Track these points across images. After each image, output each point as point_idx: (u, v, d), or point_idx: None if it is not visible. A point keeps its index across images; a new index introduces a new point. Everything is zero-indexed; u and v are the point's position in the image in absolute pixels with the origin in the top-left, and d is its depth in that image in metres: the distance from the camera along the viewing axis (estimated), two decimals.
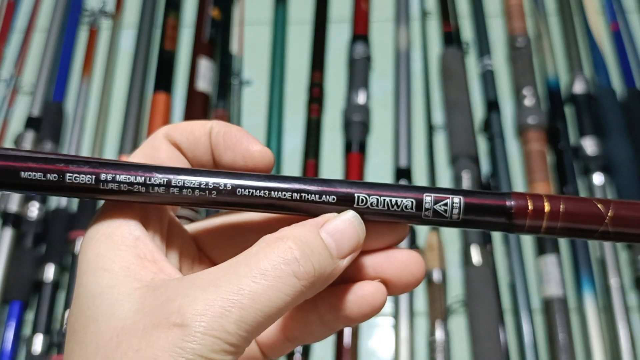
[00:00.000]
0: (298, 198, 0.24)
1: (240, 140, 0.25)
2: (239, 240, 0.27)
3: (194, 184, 0.24)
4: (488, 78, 0.77)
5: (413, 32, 0.82)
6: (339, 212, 0.24)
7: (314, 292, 0.23)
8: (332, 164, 0.74)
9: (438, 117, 0.76)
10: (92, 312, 0.22)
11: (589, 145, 0.72)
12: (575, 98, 0.75)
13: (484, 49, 0.79)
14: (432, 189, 0.24)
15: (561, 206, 0.24)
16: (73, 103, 0.77)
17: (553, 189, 0.70)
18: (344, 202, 0.24)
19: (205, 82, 0.75)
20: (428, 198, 0.24)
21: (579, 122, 0.74)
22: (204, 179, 0.24)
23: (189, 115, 0.73)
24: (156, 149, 0.26)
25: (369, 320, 0.55)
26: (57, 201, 0.69)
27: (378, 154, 0.74)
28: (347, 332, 0.63)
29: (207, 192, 0.24)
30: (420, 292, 0.66)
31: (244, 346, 0.21)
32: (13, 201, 0.68)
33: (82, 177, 0.23)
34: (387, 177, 0.72)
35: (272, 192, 0.24)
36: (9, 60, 0.80)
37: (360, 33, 0.81)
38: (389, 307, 0.65)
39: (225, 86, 0.77)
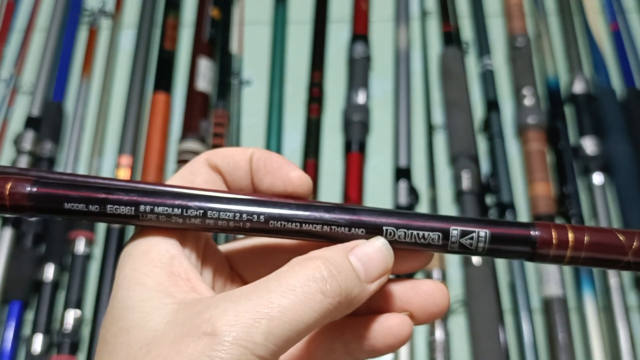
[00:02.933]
0: (328, 230, 0.25)
1: (281, 166, 0.26)
2: (270, 260, 0.27)
3: (228, 216, 0.25)
4: (488, 78, 0.77)
5: (413, 32, 0.82)
6: (368, 238, 0.25)
7: (341, 313, 0.23)
8: (332, 164, 0.74)
9: (438, 117, 0.76)
10: (124, 323, 0.22)
11: (589, 145, 0.72)
12: (575, 98, 0.75)
13: (483, 48, 0.79)
14: (459, 220, 0.25)
15: (585, 237, 0.24)
16: (73, 103, 0.77)
17: (553, 189, 0.70)
18: (373, 234, 0.25)
19: (205, 81, 0.75)
20: (455, 232, 0.25)
21: (578, 122, 0.74)
22: (238, 209, 0.25)
23: (189, 115, 0.73)
24: (195, 174, 0.27)
25: None
26: None
27: (378, 154, 0.74)
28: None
29: (241, 222, 0.25)
30: None
31: (270, 359, 0.22)
32: None
33: (123, 208, 0.25)
34: (387, 177, 0.72)
35: (304, 225, 0.25)
36: (8, 60, 0.80)
37: (360, 33, 0.81)
38: None
39: (225, 86, 0.77)
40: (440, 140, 0.75)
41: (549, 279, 0.64)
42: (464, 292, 0.65)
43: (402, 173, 0.71)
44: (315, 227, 0.25)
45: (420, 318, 0.26)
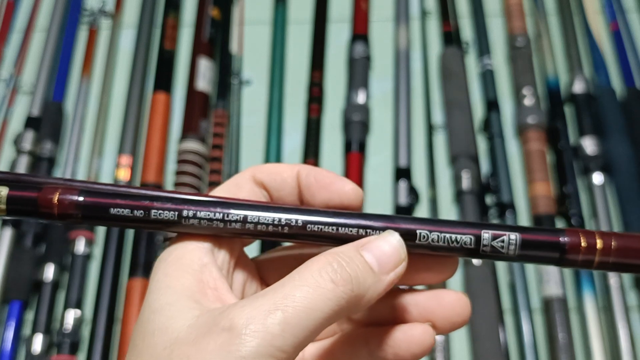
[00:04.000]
0: (364, 234, 0.26)
1: (333, 180, 0.27)
2: None
3: (267, 220, 0.26)
4: (488, 78, 0.77)
5: (413, 31, 0.82)
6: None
7: (358, 305, 0.24)
8: (331, 164, 0.74)
9: (438, 116, 0.76)
10: (151, 326, 0.23)
11: (589, 145, 0.72)
12: (575, 98, 0.75)
13: (483, 48, 0.79)
14: (490, 225, 0.26)
15: (613, 243, 0.25)
16: (73, 103, 0.77)
17: (553, 189, 0.70)
18: (407, 238, 0.25)
19: (205, 81, 0.75)
20: (486, 235, 0.25)
21: (578, 121, 0.74)
22: (277, 216, 0.26)
23: (189, 115, 0.73)
24: (239, 187, 0.28)
25: None
26: None
27: (378, 154, 0.74)
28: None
29: (279, 227, 0.26)
30: None
31: (290, 352, 0.22)
32: None
33: (166, 213, 0.26)
34: (387, 177, 0.72)
35: (340, 229, 0.26)
36: (8, 60, 0.80)
37: (360, 33, 0.81)
38: None
39: (225, 86, 0.77)
40: (440, 140, 0.75)
41: (549, 279, 0.64)
42: (464, 292, 0.65)
43: (402, 173, 0.71)
44: (351, 231, 0.25)
45: (443, 328, 0.27)
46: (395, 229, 0.25)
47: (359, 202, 0.27)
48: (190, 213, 0.26)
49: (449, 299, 0.27)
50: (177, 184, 0.68)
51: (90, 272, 0.67)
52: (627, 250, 0.25)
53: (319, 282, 0.23)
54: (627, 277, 0.66)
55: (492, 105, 0.75)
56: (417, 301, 0.27)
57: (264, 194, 0.28)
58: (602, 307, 0.64)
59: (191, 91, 0.75)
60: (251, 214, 0.26)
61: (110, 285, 0.64)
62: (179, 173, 0.69)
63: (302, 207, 0.26)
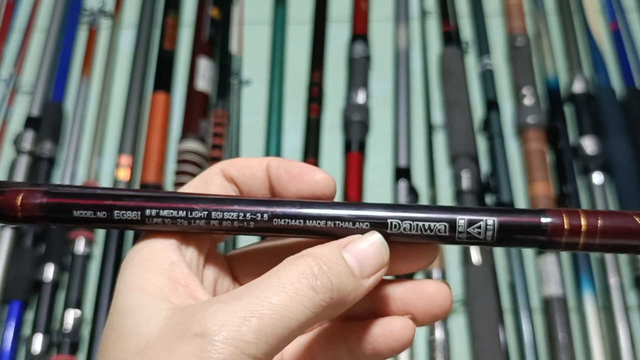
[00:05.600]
0: (332, 225, 0.25)
1: (304, 171, 0.26)
2: (273, 267, 0.27)
3: (232, 216, 0.25)
4: (487, 77, 0.77)
5: (412, 31, 0.82)
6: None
7: (335, 310, 0.23)
8: (331, 164, 0.74)
9: (438, 116, 0.76)
10: (123, 330, 0.23)
11: (589, 145, 0.72)
12: (575, 97, 0.75)
13: (483, 48, 0.79)
14: (465, 210, 0.24)
15: (599, 222, 0.24)
16: (72, 103, 0.77)
17: (552, 188, 0.70)
18: (377, 228, 0.24)
19: (204, 81, 0.75)
20: (461, 221, 0.24)
21: (578, 121, 0.74)
22: (242, 209, 0.25)
23: (189, 115, 0.73)
24: (208, 183, 0.27)
25: None
26: None
27: (378, 154, 0.74)
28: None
29: (245, 222, 0.25)
30: None
31: (263, 359, 0.22)
32: None
33: (129, 213, 0.25)
34: (387, 177, 0.72)
35: (307, 221, 0.25)
36: (8, 60, 0.80)
37: (359, 32, 0.81)
38: None
39: (224, 86, 0.76)
40: (440, 140, 0.75)
41: (548, 279, 0.64)
42: (464, 292, 0.65)
43: (402, 173, 0.71)
44: (319, 224, 0.25)
45: (423, 320, 0.26)
46: (365, 219, 0.24)
47: (332, 191, 0.27)
48: (153, 212, 0.25)
49: (429, 290, 0.26)
50: (177, 184, 0.68)
51: (90, 272, 0.67)
52: (614, 230, 0.24)
53: (298, 289, 0.22)
54: (626, 277, 0.66)
55: (491, 105, 0.75)
56: (395, 293, 0.26)
57: (234, 189, 0.27)
58: (602, 306, 0.64)
59: (191, 91, 0.75)
60: (215, 209, 0.25)
61: (110, 285, 0.64)
62: (178, 173, 0.69)
63: (268, 198, 0.26)
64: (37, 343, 0.62)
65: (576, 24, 0.81)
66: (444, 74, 0.77)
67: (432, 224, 0.24)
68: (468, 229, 0.24)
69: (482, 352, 0.61)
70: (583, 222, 0.24)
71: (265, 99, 0.77)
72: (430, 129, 0.74)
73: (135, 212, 0.25)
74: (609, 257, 0.66)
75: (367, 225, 0.24)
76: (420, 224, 0.24)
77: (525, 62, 0.78)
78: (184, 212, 0.25)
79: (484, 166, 0.72)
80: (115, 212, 0.25)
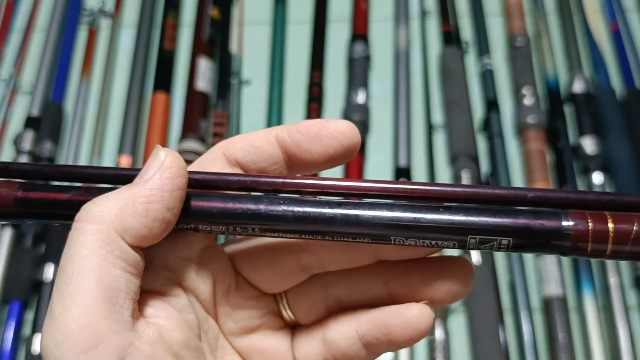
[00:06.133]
0: (330, 239, 0.23)
1: (324, 125, 0.24)
2: (276, 261, 0.26)
3: (221, 229, 0.23)
4: (487, 77, 0.77)
5: (412, 31, 0.82)
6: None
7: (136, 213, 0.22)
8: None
9: (437, 116, 0.76)
10: None
11: (589, 145, 0.72)
12: (575, 97, 0.75)
13: (483, 48, 0.79)
14: (478, 219, 0.22)
15: (635, 227, 0.21)
16: (72, 103, 0.77)
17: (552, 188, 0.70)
18: (379, 241, 0.23)
19: (204, 81, 0.75)
20: (472, 240, 0.22)
21: (578, 121, 0.74)
22: (239, 222, 0.23)
23: (189, 115, 0.73)
24: (209, 169, 0.25)
25: None
26: None
27: (378, 154, 0.74)
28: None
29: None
30: None
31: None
32: None
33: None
34: (387, 177, 0.72)
35: (303, 236, 0.23)
36: (8, 60, 0.80)
37: (359, 32, 0.81)
38: None
39: (224, 86, 0.76)
40: (440, 140, 0.75)
41: (548, 279, 0.64)
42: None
43: (402, 172, 0.71)
44: (315, 238, 0.23)
45: (444, 299, 0.25)
46: (366, 235, 0.22)
47: (358, 138, 0.24)
48: None
49: (451, 266, 0.25)
50: None
51: None
52: None
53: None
54: (627, 277, 0.66)
55: (491, 104, 0.75)
56: (414, 272, 0.25)
57: (240, 172, 0.25)
58: (602, 306, 0.64)
59: (191, 91, 0.75)
60: (201, 223, 0.23)
61: None
62: None
63: (268, 211, 0.23)
64: (37, 343, 0.62)
65: (576, 24, 0.81)
66: (444, 74, 0.77)
67: (439, 242, 0.22)
68: (479, 247, 0.22)
69: (482, 352, 0.61)
70: (610, 226, 0.21)
71: (265, 99, 0.77)
72: (430, 129, 0.74)
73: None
74: None
75: (368, 241, 0.23)
76: (427, 241, 0.22)
77: (525, 62, 0.78)
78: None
79: (484, 166, 0.72)
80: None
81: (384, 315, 0.25)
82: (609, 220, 0.21)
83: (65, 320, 0.21)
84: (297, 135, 0.24)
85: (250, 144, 0.25)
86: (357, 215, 0.22)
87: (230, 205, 0.23)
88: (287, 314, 0.27)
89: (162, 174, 0.22)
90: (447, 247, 0.22)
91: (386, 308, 0.25)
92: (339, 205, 0.23)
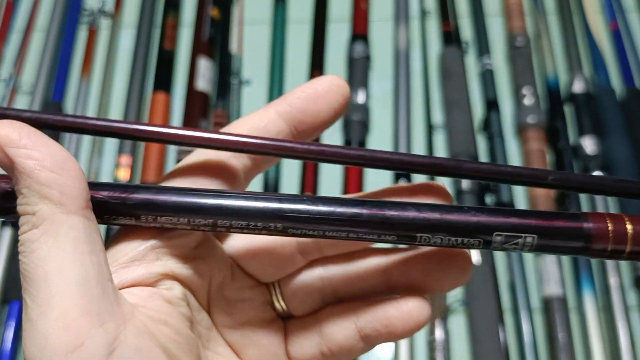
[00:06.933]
0: (355, 237, 0.23)
1: (317, 84, 0.24)
2: (275, 247, 0.26)
3: (241, 225, 0.22)
4: (487, 77, 0.77)
5: (412, 31, 0.82)
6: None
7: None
8: (331, 164, 0.73)
9: (437, 116, 0.76)
10: None
11: (589, 145, 0.72)
12: (575, 97, 0.75)
13: (483, 48, 0.79)
14: (502, 219, 0.22)
15: None
16: (72, 103, 0.77)
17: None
18: (405, 241, 0.23)
19: (204, 81, 0.75)
20: (498, 238, 0.22)
21: (578, 121, 0.74)
22: (252, 223, 0.22)
23: (189, 115, 0.73)
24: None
25: None
26: None
27: None
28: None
29: (256, 230, 0.23)
30: None
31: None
32: None
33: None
34: (387, 177, 0.72)
35: (327, 233, 0.23)
36: (8, 60, 0.80)
37: (359, 32, 0.81)
38: None
39: (224, 86, 0.76)
40: (440, 140, 0.75)
41: (548, 279, 0.64)
42: (464, 292, 0.65)
43: (402, 173, 0.71)
44: (339, 234, 0.23)
45: (444, 287, 0.25)
46: (391, 234, 0.22)
47: (347, 88, 0.25)
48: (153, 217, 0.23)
49: (450, 258, 0.24)
50: None
51: None
52: None
53: None
54: (626, 277, 0.66)
55: (491, 104, 0.75)
56: (415, 262, 0.25)
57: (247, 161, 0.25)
58: (602, 306, 0.64)
59: (191, 91, 0.75)
60: (221, 219, 0.22)
61: None
62: None
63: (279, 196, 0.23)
64: None
65: (576, 24, 0.81)
66: (444, 74, 0.77)
67: (465, 240, 0.22)
68: (504, 245, 0.22)
69: (482, 352, 0.61)
70: (629, 227, 0.22)
71: (265, 99, 0.77)
72: (430, 129, 0.74)
73: (130, 217, 0.23)
74: None
75: (394, 238, 0.23)
76: (453, 239, 0.22)
77: (525, 62, 0.78)
78: (179, 217, 0.23)
79: None
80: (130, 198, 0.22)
81: (385, 308, 0.24)
82: (627, 222, 0.22)
83: (44, 322, 0.20)
84: (298, 102, 0.24)
85: (252, 128, 0.24)
86: (384, 215, 0.22)
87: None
88: (280, 304, 0.26)
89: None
90: (472, 246, 0.22)
91: (385, 300, 0.25)
92: (363, 204, 0.23)
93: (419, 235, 0.22)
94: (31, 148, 0.21)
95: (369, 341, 0.25)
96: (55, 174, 0.20)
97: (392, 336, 0.25)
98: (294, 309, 0.26)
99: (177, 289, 0.24)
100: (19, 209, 0.21)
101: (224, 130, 0.25)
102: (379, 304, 0.25)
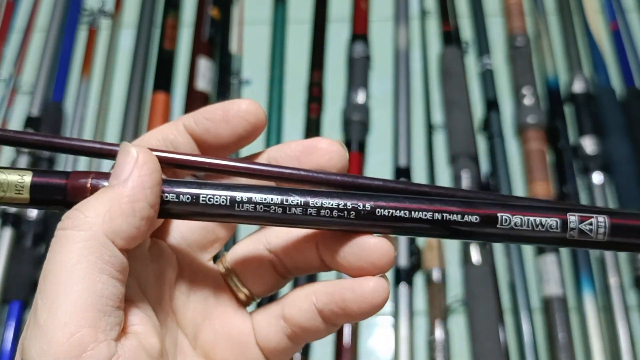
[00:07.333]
0: (440, 218, 0.23)
1: (227, 107, 0.24)
2: (268, 264, 0.26)
3: (331, 205, 0.23)
4: (487, 77, 0.77)
5: (412, 31, 0.82)
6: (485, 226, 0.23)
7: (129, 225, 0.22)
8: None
9: (437, 116, 0.76)
10: None
11: (589, 145, 0.72)
12: (575, 97, 0.75)
13: (483, 48, 0.79)
14: (575, 208, 0.23)
15: None
16: (72, 103, 0.77)
17: (552, 188, 0.70)
18: (487, 223, 0.23)
19: (204, 81, 0.75)
20: (572, 217, 0.23)
21: (578, 121, 0.74)
22: (342, 201, 0.23)
23: None
24: None
25: (369, 320, 0.55)
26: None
27: (377, 154, 0.74)
28: (347, 331, 0.63)
29: (345, 212, 0.23)
30: (420, 292, 0.66)
31: None
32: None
33: (217, 197, 0.23)
34: (387, 177, 0.72)
35: (413, 212, 0.23)
36: (8, 60, 0.80)
37: (359, 32, 0.81)
38: (388, 306, 0.65)
39: (224, 85, 0.76)
40: (440, 140, 0.75)
41: (548, 279, 0.64)
42: (464, 292, 0.65)
43: (402, 172, 0.71)
44: (425, 215, 0.23)
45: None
46: (474, 213, 0.23)
47: (263, 114, 0.25)
48: (245, 197, 0.23)
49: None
50: None
51: None
52: None
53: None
54: (626, 277, 0.66)
55: (491, 104, 0.75)
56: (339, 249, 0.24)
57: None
58: (602, 306, 0.64)
59: (191, 91, 0.75)
60: (313, 199, 0.23)
61: None
62: None
63: (363, 192, 0.23)
64: None
65: (576, 24, 0.81)
66: (444, 74, 0.77)
67: (543, 219, 0.23)
68: (580, 226, 0.23)
69: (482, 352, 0.61)
70: None
71: (265, 98, 0.77)
72: (430, 128, 0.74)
73: (223, 195, 0.23)
74: (609, 257, 0.66)
75: (476, 219, 0.23)
76: (532, 219, 0.23)
77: (525, 62, 0.78)
78: (279, 198, 0.23)
79: (484, 166, 0.72)
80: (202, 195, 0.23)
81: (340, 290, 0.24)
82: None
83: (50, 328, 0.20)
84: (203, 121, 0.25)
85: (164, 139, 0.25)
86: (468, 201, 0.23)
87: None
88: (242, 291, 0.27)
89: (140, 171, 0.22)
90: (551, 227, 0.23)
91: (342, 281, 0.24)
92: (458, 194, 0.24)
93: (499, 215, 0.23)
94: (144, 175, 0.22)
95: (330, 322, 0.25)
96: (133, 209, 0.22)
97: (351, 317, 0.24)
98: (256, 290, 0.27)
99: (146, 302, 0.24)
100: (80, 205, 0.22)
101: (136, 141, 0.25)
102: (336, 286, 0.24)
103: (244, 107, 0.24)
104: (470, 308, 0.64)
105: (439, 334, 0.62)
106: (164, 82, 0.77)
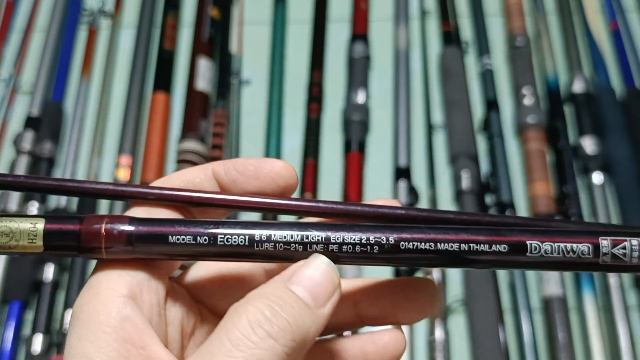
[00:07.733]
0: (467, 249, 0.22)
1: (261, 165, 0.24)
2: (243, 286, 0.25)
3: (354, 240, 0.22)
4: (487, 77, 0.77)
5: (412, 31, 0.82)
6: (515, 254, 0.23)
7: (301, 351, 0.21)
8: (331, 164, 0.74)
9: (437, 116, 0.76)
10: None
11: (589, 145, 0.72)
12: (575, 97, 0.75)
13: (483, 48, 0.79)
14: (607, 231, 0.22)
15: None
16: (72, 103, 0.77)
17: (552, 188, 0.70)
18: (516, 252, 0.22)
19: (204, 81, 0.75)
20: (605, 242, 0.22)
21: (578, 121, 0.74)
22: (364, 235, 0.22)
23: (189, 115, 0.73)
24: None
25: None
26: (56, 200, 0.69)
27: (377, 154, 0.74)
28: (347, 331, 0.63)
29: (368, 247, 0.22)
30: None
31: None
32: (12, 201, 0.68)
33: (235, 237, 0.22)
34: (387, 177, 0.72)
35: (439, 244, 0.22)
36: (8, 60, 0.80)
37: (359, 32, 0.81)
38: None
39: (224, 86, 0.76)
40: (440, 140, 0.75)
41: (548, 278, 0.64)
42: (464, 292, 0.65)
43: (402, 173, 0.71)
44: (451, 247, 0.23)
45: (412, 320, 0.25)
46: (502, 242, 0.22)
47: (295, 179, 0.24)
48: (264, 235, 0.22)
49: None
50: None
51: (90, 272, 0.67)
52: None
53: (256, 343, 0.19)
54: (626, 277, 0.66)
55: (491, 104, 0.75)
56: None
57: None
58: (602, 306, 0.64)
59: (191, 91, 0.75)
60: (334, 234, 0.22)
61: None
62: None
63: (389, 224, 0.23)
64: (37, 343, 0.62)
65: (576, 24, 0.81)
66: (444, 74, 0.77)
67: (574, 245, 0.22)
68: (613, 250, 0.22)
69: (482, 352, 0.61)
70: None
71: (265, 99, 0.77)
72: (430, 128, 0.74)
73: (242, 235, 0.22)
74: None
75: (504, 248, 0.22)
76: (562, 245, 0.22)
77: (525, 62, 0.78)
78: (299, 236, 0.22)
79: (484, 166, 0.72)
80: (220, 236, 0.22)
81: (361, 344, 0.25)
82: None
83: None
84: (233, 173, 0.25)
85: (188, 181, 0.25)
86: (495, 229, 0.23)
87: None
88: None
89: (334, 303, 0.22)
90: (582, 254, 0.22)
91: (361, 335, 0.25)
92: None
93: (529, 243, 0.22)
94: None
95: None
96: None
97: None
98: None
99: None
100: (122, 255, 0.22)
101: (156, 183, 0.25)
102: (355, 341, 0.25)
103: (277, 170, 0.24)
104: (470, 308, 0.64)
105: (438, 334, 0.62)
106: (164, 82, 0.77)
